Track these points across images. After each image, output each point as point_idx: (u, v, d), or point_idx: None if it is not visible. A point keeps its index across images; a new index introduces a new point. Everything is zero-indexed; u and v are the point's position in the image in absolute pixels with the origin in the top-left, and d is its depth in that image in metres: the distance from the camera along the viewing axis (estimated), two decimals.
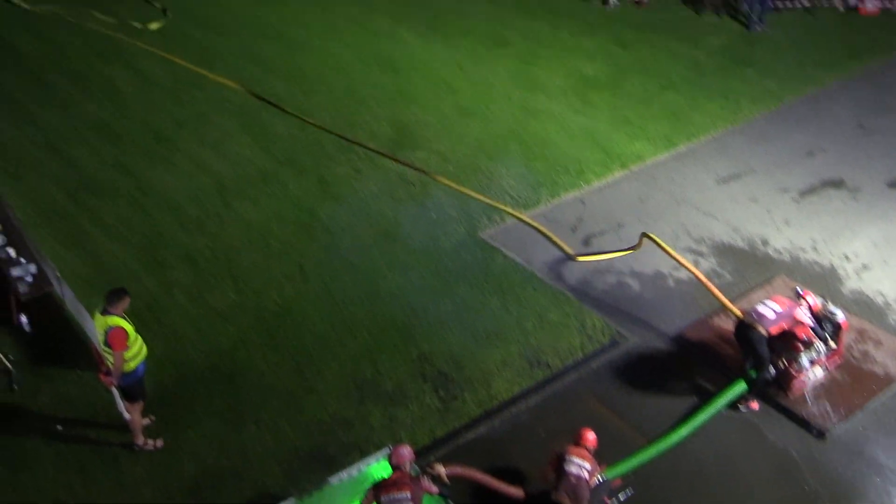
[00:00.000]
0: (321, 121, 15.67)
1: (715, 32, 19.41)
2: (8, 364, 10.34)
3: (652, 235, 11.97)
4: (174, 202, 13.62)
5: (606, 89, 16.97)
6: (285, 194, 13.83)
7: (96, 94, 16.67)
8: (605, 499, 8.79)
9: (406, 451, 8.20)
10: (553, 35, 19.09)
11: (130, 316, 9.28)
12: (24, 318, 11.01)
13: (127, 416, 9.52)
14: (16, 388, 10.28)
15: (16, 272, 11.06)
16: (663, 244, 11.71)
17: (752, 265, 12.47)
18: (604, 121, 15.89)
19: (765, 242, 12.92)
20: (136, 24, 19.15)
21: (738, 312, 10.45)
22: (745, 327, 10.03)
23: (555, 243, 12.73)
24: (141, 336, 9.36)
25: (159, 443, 9.63)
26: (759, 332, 9.88)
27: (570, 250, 12.54)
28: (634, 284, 12.09)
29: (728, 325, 10.81)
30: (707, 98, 16.74)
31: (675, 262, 11.55)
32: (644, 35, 19.14)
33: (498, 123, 15.73)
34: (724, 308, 10.91)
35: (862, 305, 11.69)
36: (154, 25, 19.17)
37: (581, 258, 12.44)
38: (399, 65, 17.73)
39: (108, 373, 9.26)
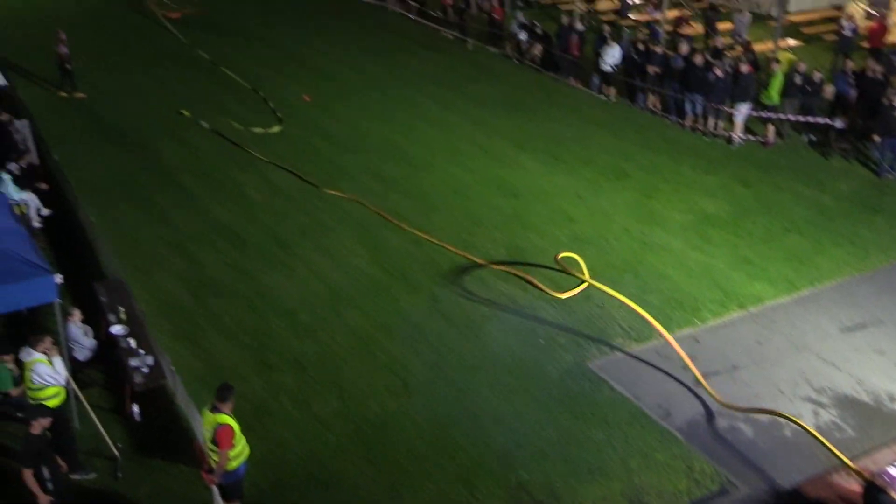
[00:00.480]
0: (438, 240, 16.01)
1: (843, 177, 19.04)
2: (115, 451, 10.66)
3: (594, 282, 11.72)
4: (288, 307, 14.02)
5: (727, 227, 16.77)
6: (396, 308, 14.05)
7: (226, 198, 17.59)
8: None
9: None
10: (674, 170, 19.13)
11: (235, 415, 9.47)
12: (136, 408, 11.38)
13: None
14: (120, 475, 10.54)
15: (134, 362, 11.52)
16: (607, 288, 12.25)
17: (877, 422, 11.79)
18: (723, 259, 15.64)
19: (892, 398, 12.25)
20: (258, 130, 20.31)
21: (863, 472, 9.82)
22: (877, 491, 9.35)
23: (670, 375, 12.42)
24: (244, 436, 9.52)
25: None
26: (892, 499, 9.19)
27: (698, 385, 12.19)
28: (748, 431, 11.59)
29: (852, 486, 10.17)
30: (833, 243, 16.30)
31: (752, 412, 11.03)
32: (768, 175, 18.95)
33: (614, 254, 15.70)
34: (846, 466, 10.30)
35: None
36: (275, 129, 20.66)
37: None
38: (518, 190, 18.05)
39: (210, 470, 9.40)
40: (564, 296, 14.27)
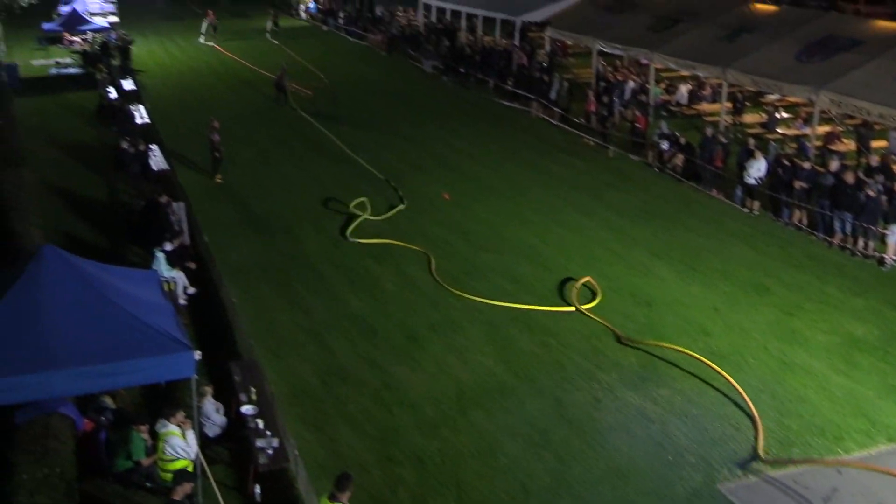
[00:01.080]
0: (566, 343, 15.86)
1: None
2: None
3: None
4: (414, 401, 14.11)
5: (876, 353, 15.88)
6: (520, 410, 13.91)
7: (362, 289, 18.06)
8: None
9: None
10: (819, 289, 18.39)
11: None
12: (257, 489, 11.59)
13: None
14: None
15: (260, 443, 11.79)
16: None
17: None
18: (870, 386, 14.78)
19: None
20: (375, 218, 20.87)
21: None
22: None
23: None
24: None
25: None
26: None
27: None
28: None
29: None
30: None
31: None
32: None
33: (750, 372, 15.10)
34: None
35: None
36: (393, 211, 21.69)
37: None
38: (653, 299, 17.75)
39: None
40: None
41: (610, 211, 22.56)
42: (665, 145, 25.61)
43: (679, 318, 16.98)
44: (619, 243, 20.56)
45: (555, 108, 31.10)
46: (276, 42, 49.34)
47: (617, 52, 33.67)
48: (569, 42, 39.39)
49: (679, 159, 25.03)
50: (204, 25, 50.84)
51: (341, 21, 54.02)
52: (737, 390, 14.42)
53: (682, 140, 25.44)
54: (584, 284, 17.58)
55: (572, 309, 17.20)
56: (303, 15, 60.27)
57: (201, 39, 49.79)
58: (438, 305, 17.39)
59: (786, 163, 21.98)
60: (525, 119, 31.89)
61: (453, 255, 19.78)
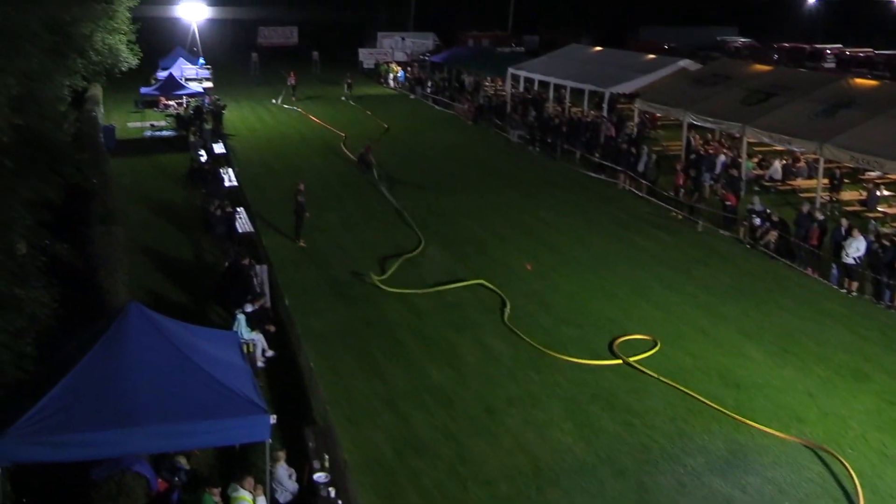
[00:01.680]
0: (651, 424, 15.45)
1: None
2: None
3: None
4: (489, 477, 13.87)
5: None
6: (600, 492, 13.53)
7: (440, 359, 18.01)
8: None
9: None
10: None
11: None
12: None
13: None
14: None
15: None
16: None
17: None
18: None
19: None
20: (455, 285, 20.81)
21: None
22: None
23: None
24: None
25: None
26: None
27: None
28: None
29: None
30: None
31: None
32: None
33: (847, 463, 14.41)
34: None
35: None
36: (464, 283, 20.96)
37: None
38: (742, 381, 17.21)
39: None
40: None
41: (698, 287, 22.13)
42: (758, 221, 25.11)
43: (770, 402, 16.39)
44: (708, 321, 20.09)
45: (642, 181, 30.89)
46: (352, 103, 51.09)
47: (708, 125, 33.44)
48: (658, 114, 39.35)
49: (772, 236, 24.48)
50: (286, 87, 54.41)
51: (429, 90, 55.22)
52: (833, 482, 13.77)
53: (776, 216, 24.93)
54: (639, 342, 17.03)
55: (619, 362, 17.32)
56: (391, 84, 61.87)
57: (279, 100, 52.07)
58: (518, 379, 17.20)
59: (886, 243, 21.29)
60: (612, 191, 31.76)
61: (535, 327, 19.59)
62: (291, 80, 55.01)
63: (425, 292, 21.43)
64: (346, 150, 38.12)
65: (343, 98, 54.20)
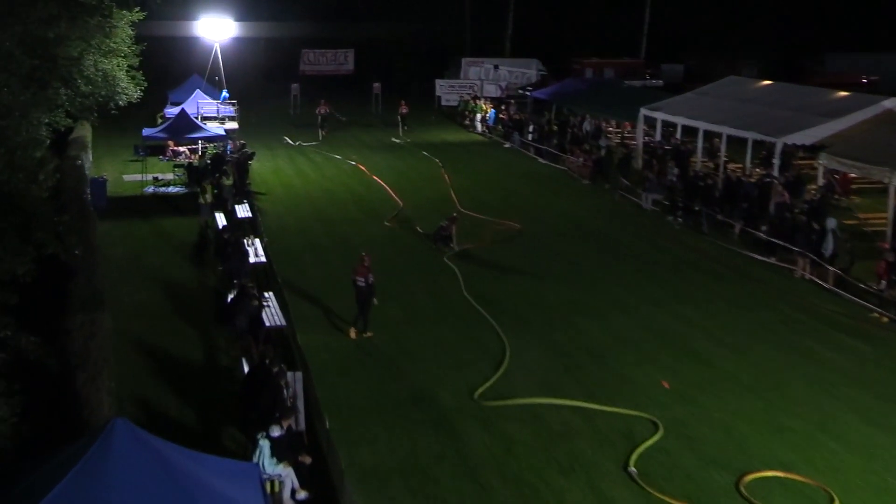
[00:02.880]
0: None
1: None
2: None
3: None
4: None
5: None
6: None
7: None
8: None
9: None
10: None
11: None
12: None
13: None
14: None
15: None
16: None
17: None
18: None
19: None
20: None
21: None
22: None
23: None
24: None
25: None
26: None
27: None
28: None
29: None
30: None
31: None
32: None
33: None
34: None
35: None
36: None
37: None
38: None
39: None
40: None
41: None
42: None
43: None
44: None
45: (829, 267, 30.46)
46: (406, 140, 52.30)
47: None
48: (852, 174, 38.87)
49: None
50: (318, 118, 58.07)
51: (530, 136, 55.69)
52: None
53: None
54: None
55: None
56: (478, 127, 62.51)
57: (294, 141, 54.22)
58: None
59: None
60: (785, 281, 31.36)
61: (674, 470, 19.25)
62: (322, 110, 57.05)
63: (526, 403, 21.27)
64: (393, 221, 38.51)
65: (396, 140, 55.10)
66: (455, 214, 36.54)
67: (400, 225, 37.94)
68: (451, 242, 34.39)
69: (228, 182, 39.57)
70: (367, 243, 34.41)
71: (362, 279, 25.69)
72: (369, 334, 25.62)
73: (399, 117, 59.65)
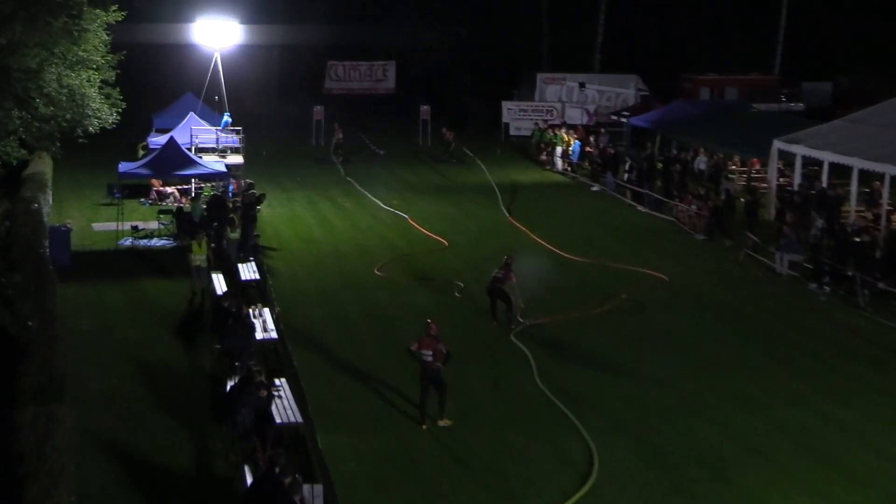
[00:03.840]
0: None
1: None
2: None
3: None
4: None
5: None
6: None
7: None
8: None
9: None
10: None
11: None
12: None
13: None
14: None
15: None
16: None
17: None
18: None
19: None
20: None
21: None
22: None
23: None
24: None
25: None
26: None
27: None
28: None
29: None
30: None
31: None
32: None
33: None
34: None
35: None
36: None
37: None
38: None
39: None
40: None
41: None
42: None
43: None
44: None
45: None
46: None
47: None
48: None
49: None
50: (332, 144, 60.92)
51: (627, 176, 55.52)
52: None
53: None
54: None
55: None
56: (558, 164, 62.30)
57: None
58: None
59: None
60: (885, 334, 31.10)
61: None
62: (338, 136, 58.03)
63: None
64: (453, 288, 38.50)
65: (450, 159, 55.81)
66: (508, 258, 34.95)
67: (454, 289, 37.81)
68: (512, 308, 33.92)
69: (233, 235, 39.69)
70: (413, 314, 34.30)
71: (429, 353, 25.58)
72: (447, 422, 25.66)
73: (447, 147, 59.74)
